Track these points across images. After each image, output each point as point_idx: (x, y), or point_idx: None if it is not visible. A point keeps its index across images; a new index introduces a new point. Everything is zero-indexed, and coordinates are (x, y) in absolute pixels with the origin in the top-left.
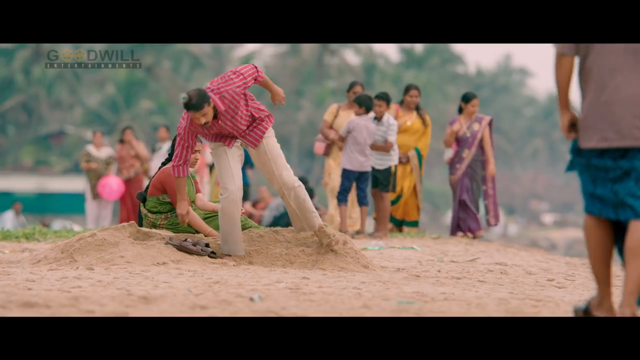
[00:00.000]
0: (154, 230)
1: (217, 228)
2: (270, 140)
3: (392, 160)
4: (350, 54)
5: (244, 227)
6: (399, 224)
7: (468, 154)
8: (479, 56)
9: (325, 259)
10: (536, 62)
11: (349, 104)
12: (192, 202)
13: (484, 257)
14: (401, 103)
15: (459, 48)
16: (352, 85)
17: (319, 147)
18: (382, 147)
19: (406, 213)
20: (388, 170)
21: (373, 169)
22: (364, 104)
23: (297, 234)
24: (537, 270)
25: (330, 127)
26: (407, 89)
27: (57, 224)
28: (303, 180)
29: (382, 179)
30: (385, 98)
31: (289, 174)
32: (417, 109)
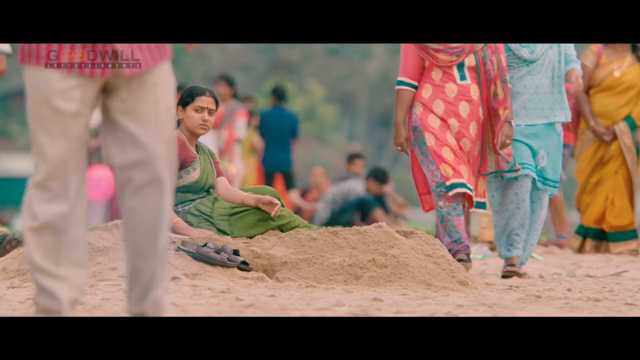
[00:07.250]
0: None
1: (247, 228)
2: (169, 84)
3: None
4: None
5: (289, 227)
6: (601, 236)
7: None
8: None
9: (406, 272)
10: None
11: None
12: (211, 190)
13: (633, 270)
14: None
15: None
16: None
17: None
18: None
19: (615, 218)
20: None
21: None
22: None
23: (365, 237)
24: None
25: None
26: None
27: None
28: (379, 171)
29: None
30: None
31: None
32: (635, 48)
